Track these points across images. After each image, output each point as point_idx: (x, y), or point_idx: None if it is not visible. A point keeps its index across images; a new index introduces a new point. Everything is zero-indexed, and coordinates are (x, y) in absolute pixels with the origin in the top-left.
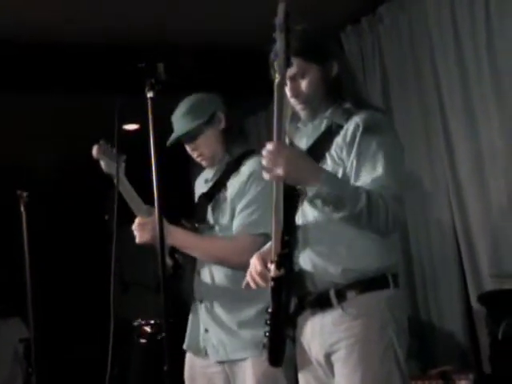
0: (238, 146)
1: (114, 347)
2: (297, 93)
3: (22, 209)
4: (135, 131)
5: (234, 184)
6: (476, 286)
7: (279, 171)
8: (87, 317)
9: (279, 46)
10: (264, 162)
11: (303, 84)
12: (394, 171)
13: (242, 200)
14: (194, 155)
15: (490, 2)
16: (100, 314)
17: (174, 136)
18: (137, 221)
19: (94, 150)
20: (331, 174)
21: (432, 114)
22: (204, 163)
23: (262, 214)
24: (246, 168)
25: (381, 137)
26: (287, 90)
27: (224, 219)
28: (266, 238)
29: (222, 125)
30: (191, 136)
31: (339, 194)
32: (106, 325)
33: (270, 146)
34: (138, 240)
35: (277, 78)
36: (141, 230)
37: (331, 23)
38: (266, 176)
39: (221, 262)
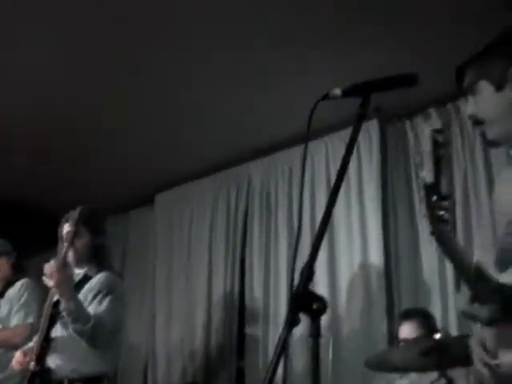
0: (16, 274)
1: None
2: (75, 253)
3: None
4: None
5: (9, 293)
6: None
7: (52, 283)
8: None
9: (74, 218)
10: (47, 271)
11: (78, 243)
12: (112, 311)
13: (17, 303)
14: None
15: None
16: None
17: None
18: None
19: None
20: (80, 300)
21: (147, 284)
22: None
23: (28, 311)
24: (18, 283)
25: (111, 289)
26: (71, 251)
27: (2, 314)
28: (32, 325)
29: (12, 260)
30: None
31: (79, 312)
32: None
33: (54, 264)
34: None
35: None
36: None
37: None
38: (48, 282)
39: (6, 343)
